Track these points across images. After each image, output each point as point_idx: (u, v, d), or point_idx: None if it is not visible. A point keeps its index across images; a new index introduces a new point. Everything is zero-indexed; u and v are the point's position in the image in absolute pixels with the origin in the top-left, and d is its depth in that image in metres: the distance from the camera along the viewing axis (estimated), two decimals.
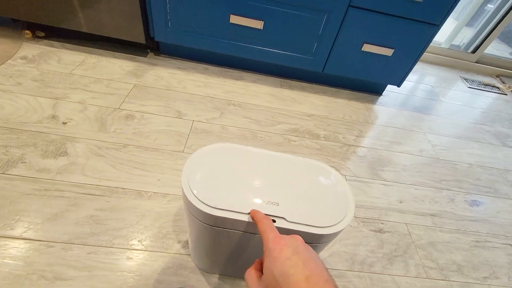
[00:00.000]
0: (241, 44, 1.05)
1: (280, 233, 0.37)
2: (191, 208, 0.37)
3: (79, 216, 0.60)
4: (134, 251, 0.57)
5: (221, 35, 1.03)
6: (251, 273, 0.27)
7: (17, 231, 0.56)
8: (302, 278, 0.21)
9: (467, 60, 1.77)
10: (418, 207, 0.81)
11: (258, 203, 0.36)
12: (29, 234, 0.56)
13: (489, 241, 0.77)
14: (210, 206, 0.35)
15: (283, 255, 0.23)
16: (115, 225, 0.60)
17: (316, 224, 0.36)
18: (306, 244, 0.26)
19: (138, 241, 0.59)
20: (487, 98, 1.51)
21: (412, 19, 0.96)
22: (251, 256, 0.44)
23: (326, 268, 0.24)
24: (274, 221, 0.35)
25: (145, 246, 0.58)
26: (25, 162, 0.67)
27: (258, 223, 0.30)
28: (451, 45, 1.75)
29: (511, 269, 0.71)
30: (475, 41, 1.70)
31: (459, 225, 0.79)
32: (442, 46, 1.75)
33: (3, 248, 0.53)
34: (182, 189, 0.37)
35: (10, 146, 0.70)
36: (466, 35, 1.75)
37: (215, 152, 0.42)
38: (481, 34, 1.66)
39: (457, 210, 0.83)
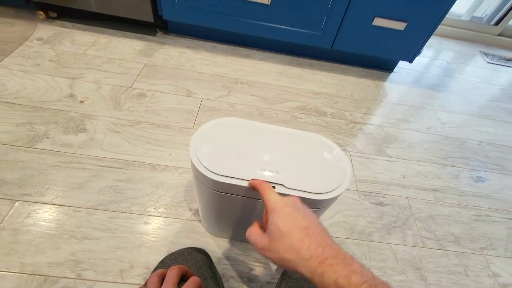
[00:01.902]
0: (248, 21, 1.04)
1: None
2: (198, 175, 0.41)
3: (100, 186, 0.66)
4: (150, 217, 0.63)
5: (228, 12, 1.02)
6: (254, 229, 0.31)
7: (48, 198, 0.63)
8: (302, 228, 0.27)
9: (488, 33, 1.67)
10: (420, 183, 0.83)
11: (259, 170, 0.40)
12: (58, 200, 0.63)
13: (490, 216, 0.78)
14: (215, 173, 0.39)
15: (286, 211, 0.28)
16: (133, 194, 0.66)
17: (313, 191, 0.40)
18: (303, 203, 0.31)
19: (154, 208, 0.65)
20: (507, 74, 1.44)
21: None
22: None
23: (320, 222, 0.29)
24: (273, 187, 0.39)
25: (160, 213, 0.64)
26: (49, 138, 0.73)
27: (258, 186, 0.34)
28: (472, 17, 1.65)
29: (508, 242, 0.73)
30: (499, 11, 1.59)
31: (460, 200, 0.81)
32: (463, 18, 1.65)
33: (37, 212, 0.60)
34: (191, 159, 0.40)
35: (35, 123, 0.76)
36: (489, 6, 1.63)
37: (221, 125, 0.46)
38: (506, 4, 1.55)
39: (460, 186, 0.84)
